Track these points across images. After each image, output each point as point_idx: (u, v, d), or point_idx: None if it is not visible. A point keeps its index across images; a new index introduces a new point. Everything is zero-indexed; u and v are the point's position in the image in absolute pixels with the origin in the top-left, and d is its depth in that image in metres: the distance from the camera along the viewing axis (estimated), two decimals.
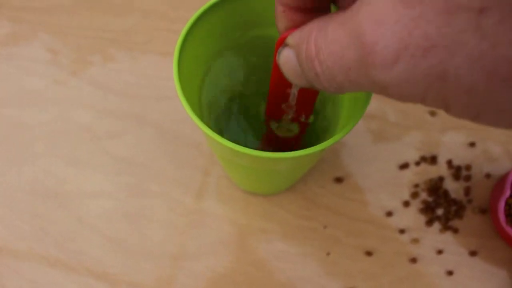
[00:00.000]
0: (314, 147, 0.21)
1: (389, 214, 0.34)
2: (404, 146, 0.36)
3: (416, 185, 0.35)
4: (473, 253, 0.33)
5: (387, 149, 0.36)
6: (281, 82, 0.21)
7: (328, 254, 0.33)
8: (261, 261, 0.33)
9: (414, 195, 0.34)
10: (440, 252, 0.33)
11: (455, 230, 0.34)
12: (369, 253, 0.33)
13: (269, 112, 0.25)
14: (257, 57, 0.29)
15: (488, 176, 0.35)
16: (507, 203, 0.32)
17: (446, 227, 0.34)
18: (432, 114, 0.37)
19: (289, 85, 0.22)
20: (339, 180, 0.35)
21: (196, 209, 0.34)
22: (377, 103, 0.37)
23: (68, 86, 0.38)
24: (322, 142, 0.21)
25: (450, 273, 0.33)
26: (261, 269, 0.33)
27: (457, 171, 0.35)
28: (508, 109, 0.13)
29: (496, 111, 0.13)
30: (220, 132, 0.31)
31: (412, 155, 0.36)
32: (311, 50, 0.16)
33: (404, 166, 0.35)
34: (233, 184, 0.35)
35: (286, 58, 0.18)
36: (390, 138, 0.36)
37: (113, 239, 0.33)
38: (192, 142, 0.36)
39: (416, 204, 0.34)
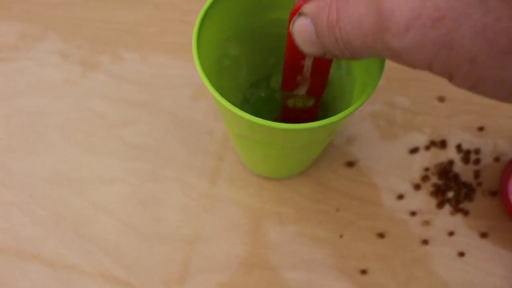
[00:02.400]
0: (331, 118, 0.21)
1: (400, 197, 0.34)
2: (414, 131, 0.36)
3: (427, 169, 0.35)
4: (483, 235, 0.34)
5: (397, 134, 0.36)
6: (295, 54, 0.22)
7: (341, 236, 0.33)
8: (275, 244, 0.33)
9: (425, 178, 0.35)
10: (451, 234, 0.34)
11: (466, 213, 0.34)
12: (381, 235, 0.33)
13: (285, 85, 0.26)
14: (274, 41, 0.29)
15: (497, 159, 0.36)
16: None
17: (456, 210, 0.34)
18: (441, 100, 0.37)
19: (303, 56, 0.22)
20: (350, 164, 0.35)
21: (210, 194, 0.35)
22: (385, 89, 0.38)
23: (82, 76, 0.39)
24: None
25: (461, 254, 0.33)
26: (275, 251, 0.33)
27: (467, 155, 0.35)
28: (505, 79, 0.14)
29: (494, 81, 0.14)
30: None
31: (421, 140, 0.36)
32: (333, 17, 0.17)
33: (414, 150, 0.36)
34: (247, 169, 0.35)
35: (301, 27, 0.18)
36: (399, 124, 0.37)
37: (128, 223, 0.34)
38: (206, 128, 0.37)
39: (426, 187, 0.35)
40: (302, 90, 0.25)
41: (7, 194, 0.35)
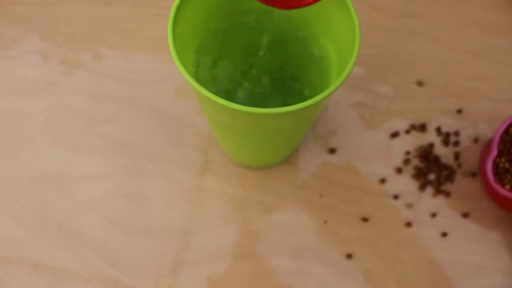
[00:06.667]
0: (308, 101, 0.22)
1: (383, 181, 0.35)
2: (394, 116, 0.37)
3: (407, 152, 0.36)
4: (465, 215, 0.34)
5: (377, 119, 0.37)
6: None
7: (325, 222, 0.34)
8: (260, 233, 0.33)
9: (406, 162, 0.35)
10: (433, 215, 0.34)
11: (447, 194, 0.35)
12: (365, 220, 0.34)
13: None
14: (254, 32, 0.30)
15: (476, 140, 0.36)
16: (494, 162, 0.33)
17: (438, 191, 0.35)
18: (419, 84, 0.38)
19: None
20: (332, 151, 0.36)
21: (194, 186, 0.35)
22: (365, 77, 0.38)
23: (63, 74, 0.39)
24: None
25: (444, 234, 0.34)
26: (261, 240, 0.33)
27: (446, 137, 0.36)
28: None
29: None
30: None
31: (402, 124, 0.37)
32: None
33: (395, 134, 0.36)
34: (230, 160, 0.35)
35: None
36: (379, 109, 0.37)
37: (114, 219, 0.34)
38: (187, 121, 0.37)
39: (408, 170, 0.35)
40: None
41: None
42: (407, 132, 0.36)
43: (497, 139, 0.33)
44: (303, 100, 0.32)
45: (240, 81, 0.32)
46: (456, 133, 0.36)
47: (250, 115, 0.22)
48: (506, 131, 0.33)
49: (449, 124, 0.37)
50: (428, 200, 0.35)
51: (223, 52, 0.31)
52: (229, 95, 0.32)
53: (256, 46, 0.30)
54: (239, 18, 0.29)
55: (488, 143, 0.34)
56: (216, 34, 0.29)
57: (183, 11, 0.25)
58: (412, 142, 0.36)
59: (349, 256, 0.33)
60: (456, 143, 0.36)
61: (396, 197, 0.35)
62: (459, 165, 0.36)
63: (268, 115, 0.22)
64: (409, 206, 0.34)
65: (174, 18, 0.24)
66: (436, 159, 0.35)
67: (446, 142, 0.36)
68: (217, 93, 0.31)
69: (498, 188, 0.32)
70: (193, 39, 0.27)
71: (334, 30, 0.26)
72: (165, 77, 0.38)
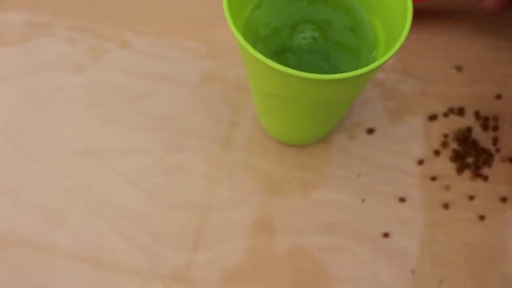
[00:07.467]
0: (368, 66, 0.22)
1: (420, 162, 0.35)
2: (432, 99, 0.37)
3: (446, 135, 0.36)
4: (503, 199, 0.34)
5: (416, 101, 0.37)
6: None
7: (363, 201, 0.34)
8: (298, 209, 0.34)
9: (444, 144, 0.35)
10: (471, 198, 0.34)
11: (485, 178, 0.35)
12: (402, 200, 0.34)
13: None
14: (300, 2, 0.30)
15: None
16: None
17: (476, 175, 0.34)
18: (458, 69, 0.38)
19: None
20: (370, 131, 0.36)
21: (231, 161, 0.35)
22: (403, 59, 0.38)
23: (101, 50, 0.39)
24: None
25: (482, 218, 0.33)
26: (298, 216, 0.33)
27: (485, 122, 0.36)
28: None
29: None
30: None
31: (440, 107, 0.37)
32: None
33: (433, 117, 0.36)
34: (267, 136, 0.36)
35: None
36: (418, 92, 0.37)
37: (152, 192, 0.34)
38: (225, 98, 0.37)
39: (446, 153, 0.35)
40: None
41: (32, 167, 0.35)
42: (445, 115, 0.36)
43: None
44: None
45: (286, 51, 0.32)
46: (495, 118, 0.36)
47: (305, 81, 0.23)
48: None
49: (488, 108, 0.37)
50: (466, 183, 0.34)
51: (271, 21, 0.31)
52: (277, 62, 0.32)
53: (306, 17, 0.30)
54: None
55: None
56: (265, 2, 0.29)
57: None
58: (450, 125, 0.36)
59: (385, 235, 0.33)
60: (495, 128, 0.36)
61: (433, 178, 0.34)
62: (497, 150, 0.35)
63: (324, 81, 0.22)
64: (447, 188, 0.34)
65: None
66: (474, 142, 0.35)
67: (485, 127, 0.36)
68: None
69: None
70: (243, 7, 0.28)
71: (384, 7, 0.27)
72: (203, 54, 0.39)
